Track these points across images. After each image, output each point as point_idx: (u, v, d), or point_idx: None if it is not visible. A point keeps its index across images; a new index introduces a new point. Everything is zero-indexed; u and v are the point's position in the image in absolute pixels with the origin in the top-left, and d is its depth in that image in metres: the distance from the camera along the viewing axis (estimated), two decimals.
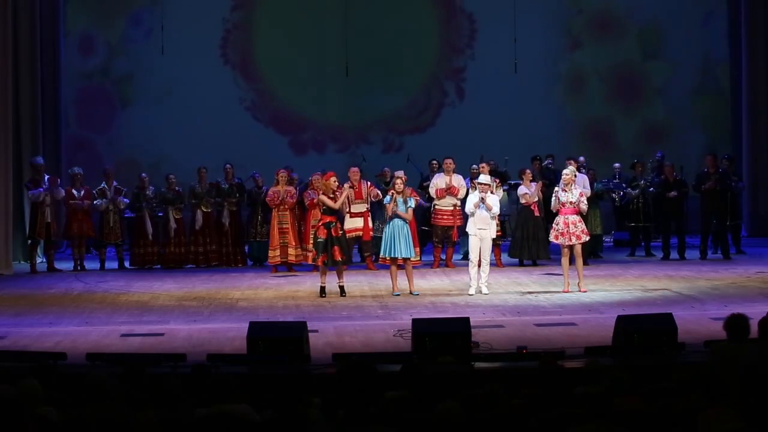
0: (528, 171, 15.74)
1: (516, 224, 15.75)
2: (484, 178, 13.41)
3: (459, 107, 20.40)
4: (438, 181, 15.53)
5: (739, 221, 17.29)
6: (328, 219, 12.82)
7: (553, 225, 13.07)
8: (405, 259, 12.92)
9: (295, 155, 19.42)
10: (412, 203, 13.17)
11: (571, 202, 12.84)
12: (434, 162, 16.53)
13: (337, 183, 12.92)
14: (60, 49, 18.96)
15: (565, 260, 12.95)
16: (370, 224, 15.59)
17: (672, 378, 6.47)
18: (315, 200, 14.68)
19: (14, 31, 16.47)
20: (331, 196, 12.82)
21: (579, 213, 12.94)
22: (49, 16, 18.51)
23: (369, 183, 15.70)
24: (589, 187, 15.32)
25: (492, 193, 13.38)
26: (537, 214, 15.47)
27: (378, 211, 15.73)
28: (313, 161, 18.30)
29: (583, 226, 13.01)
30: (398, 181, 13.10)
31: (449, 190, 15.39)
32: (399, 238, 12.84)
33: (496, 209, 13.15)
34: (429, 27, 20.48)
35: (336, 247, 12.67)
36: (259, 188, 16.27)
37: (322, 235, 12.83)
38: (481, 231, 12.96)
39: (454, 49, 20.53)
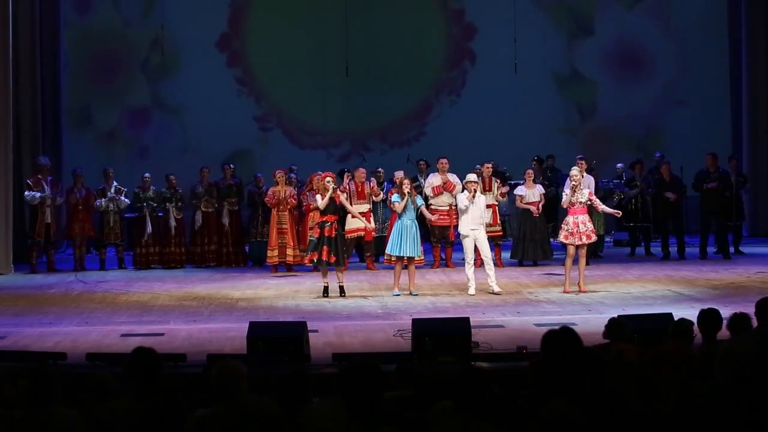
0: (530, 171, 15.72)
1: (517, 224, 15.76)
2: (471, 176, 13.36)
3: (459, 107, 20.41)
4: (433, 180, 15.52)
5: (741, 222, 17.22)
6: (323, 219, 12.81)
7: (563, 225, 13.03)
8: (409, 259, 12.94)
9: (296, 156, 19.41)
10: (421, 201, 13.31)
11: (580, 202, 12.82)
12: (422, 162, 16.52)
13: (333, 185, 12.88)
14: (60, 49, 18.97)
15: (569, 260, 12.92)
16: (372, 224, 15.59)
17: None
18: (311, 205, 14.74)
19: (14, 31, 16.45)
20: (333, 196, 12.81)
21: (588, 213, 12.93)
22: (50, 12, 18.54)
23: (372, 183, 15.70)
24: (593, 187, 15.29)
25: (482, 193, 13.40)
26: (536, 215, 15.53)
27: (378, 211, 15.74)
28: (314, 161, 18.30)
29: (592, 226, 12.99)
30: (406, 181, 13.08)
31: (445, 186, 15.37)
32: (407, 237, 12.85)
33: (487, 217, 13.11)
34: (429, 27, 20.50)
35: (325, 247, 12.64)
36: (260, 189, 16.27)
37: (315, 234, 12.86)
38: (474, 231, 12.95)
39: (454, 50, 20.53)
